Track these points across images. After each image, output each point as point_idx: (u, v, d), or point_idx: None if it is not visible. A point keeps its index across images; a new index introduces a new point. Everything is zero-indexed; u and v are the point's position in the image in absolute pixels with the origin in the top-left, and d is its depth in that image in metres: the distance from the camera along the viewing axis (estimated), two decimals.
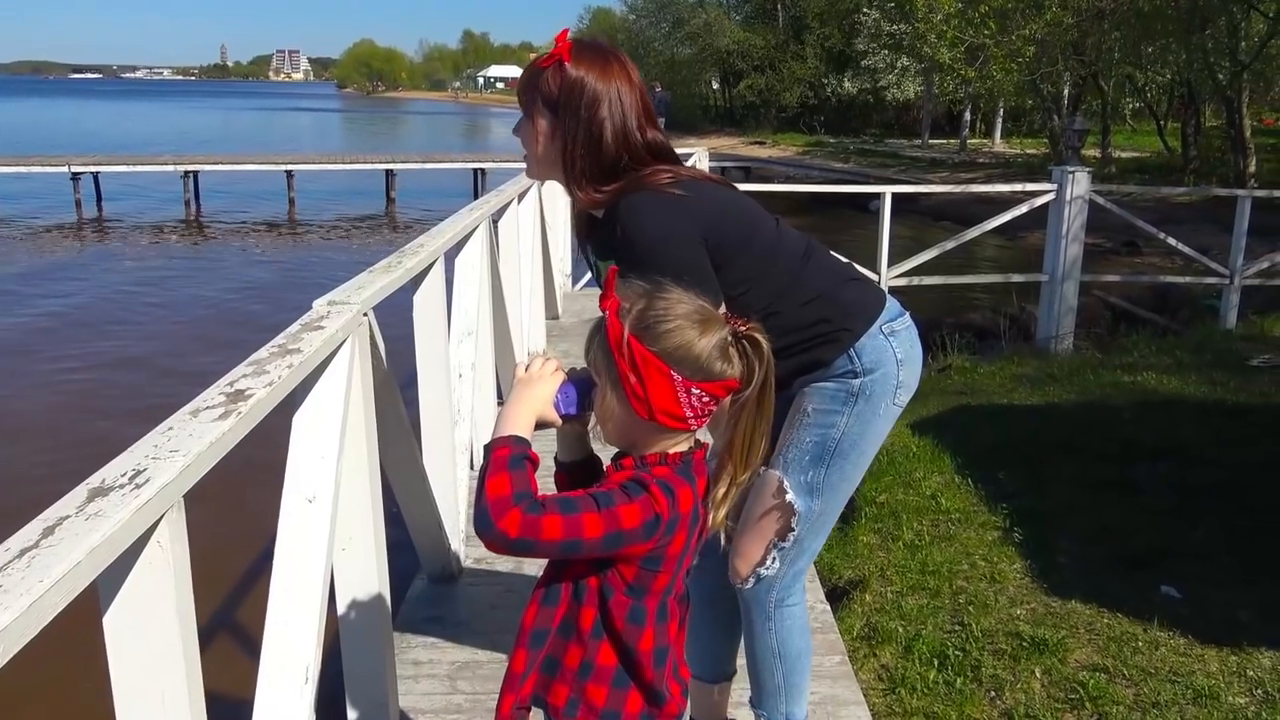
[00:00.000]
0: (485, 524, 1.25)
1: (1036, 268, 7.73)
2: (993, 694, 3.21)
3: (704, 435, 1.50)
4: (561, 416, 1.42)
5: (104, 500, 1.02)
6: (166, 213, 20.99)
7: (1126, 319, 9.11)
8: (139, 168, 22.10)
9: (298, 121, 71.14)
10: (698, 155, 8.30)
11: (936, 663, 3.35)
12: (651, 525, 1.31)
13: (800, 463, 1.93)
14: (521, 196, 4.74)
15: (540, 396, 1.40)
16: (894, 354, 1.94)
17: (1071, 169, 7.36)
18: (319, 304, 1.92)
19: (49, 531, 0.94)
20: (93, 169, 21.25)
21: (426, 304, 2.80)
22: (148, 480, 1.07)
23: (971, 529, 4.40)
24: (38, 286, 13.24)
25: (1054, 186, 7.47)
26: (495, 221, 3.98)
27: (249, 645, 4.26)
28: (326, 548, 1.68)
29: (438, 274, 2.82)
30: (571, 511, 1.29)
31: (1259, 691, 3.16)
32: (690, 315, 1.35)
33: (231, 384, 1.41)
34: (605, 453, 1.49)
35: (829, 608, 3.08)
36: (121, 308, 12.22)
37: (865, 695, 2.83)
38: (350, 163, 24.04)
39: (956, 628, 3.60)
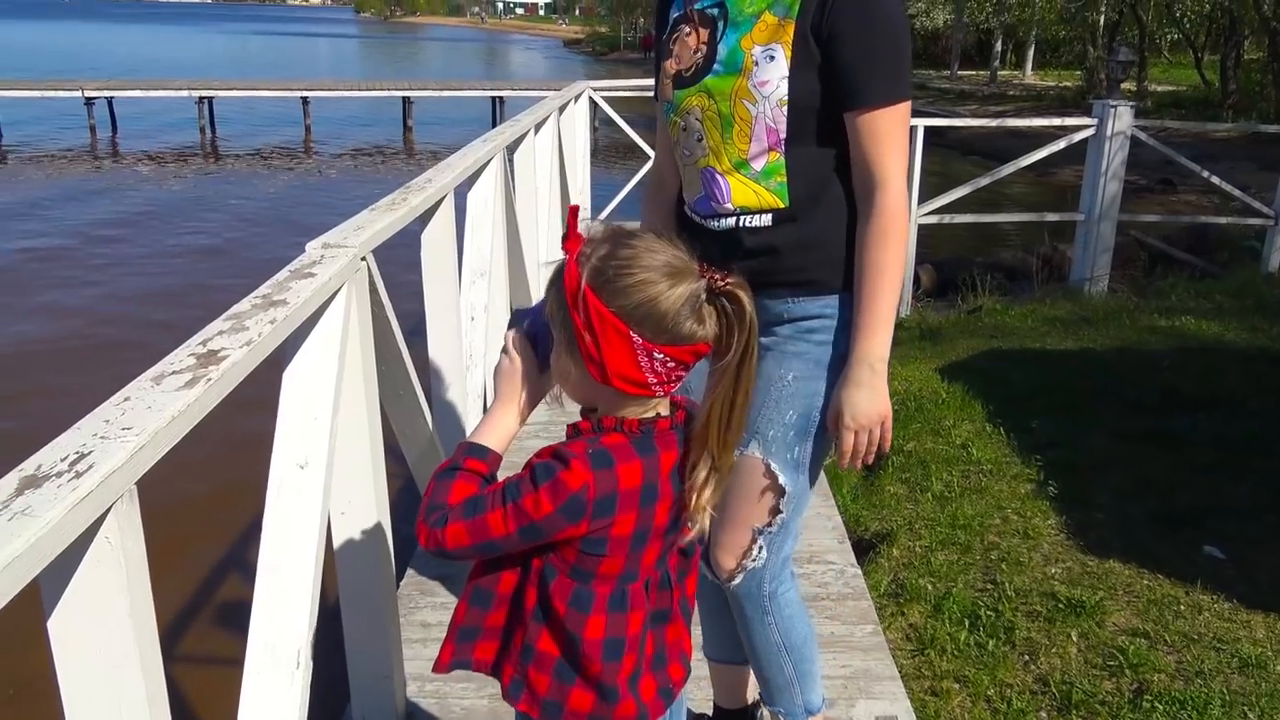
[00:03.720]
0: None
1: (1067, 205, 7.44)
2: (1026, 658, 3.07)
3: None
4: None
5: (35, 493, 0.85)
6: (180, 138, 20.74)
7: (1163, 260, 8.82)
8: (153, 93, 21.77)
9: (314, 47, 70.15)
10: None
11: (967, 623, 3.22)
12: (571, 507, 1.16)
13: (784, 440, 1.73)
14: (539, 126, 4.51)
15: (523, 398, 1.28)
16: None
17: (1114, 103, 7.02)
18: (312, 246, 1.74)
19: None
20: (106, 94, 20.97)
21: (435, 243, 2.62)
22: (90, 467, 0.90)
23: (1004, 481, 4.24)
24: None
25: (1094, 121, 7.14)
26: (510, 153, 3.76)
27: (234, 630, 4.07)
28: (319, 518, 1.53)
29: (447, 211, 2.62)
30: (476, 514, 1.19)
31: None
32: (659, 267, 1.16)
33: (204, 343, 1.24)
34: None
35: (859, 571, 2.93)
36: (110, 244, 11.87)
37: (894, 657, 2.69)
38: (367, 89, 23.63)
39: (988, 586, 3.46)
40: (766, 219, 1.69)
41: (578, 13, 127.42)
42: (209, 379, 1.12)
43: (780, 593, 1.85)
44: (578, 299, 1.16)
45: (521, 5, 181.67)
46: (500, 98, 22.99)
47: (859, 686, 2.32)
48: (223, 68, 36.48)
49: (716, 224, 1.72)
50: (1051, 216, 7.51)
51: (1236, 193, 7.49)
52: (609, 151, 16.62)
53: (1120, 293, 7.51)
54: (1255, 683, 2.89)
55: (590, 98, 7.41)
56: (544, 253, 4.44)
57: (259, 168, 18.25)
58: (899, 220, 1.64)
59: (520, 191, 3.82)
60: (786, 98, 1.62)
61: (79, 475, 0.89)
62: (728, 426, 1.21)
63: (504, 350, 1.28)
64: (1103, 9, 22.26)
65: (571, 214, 1.21)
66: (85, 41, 61.05)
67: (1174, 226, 9.33)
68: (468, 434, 3.24)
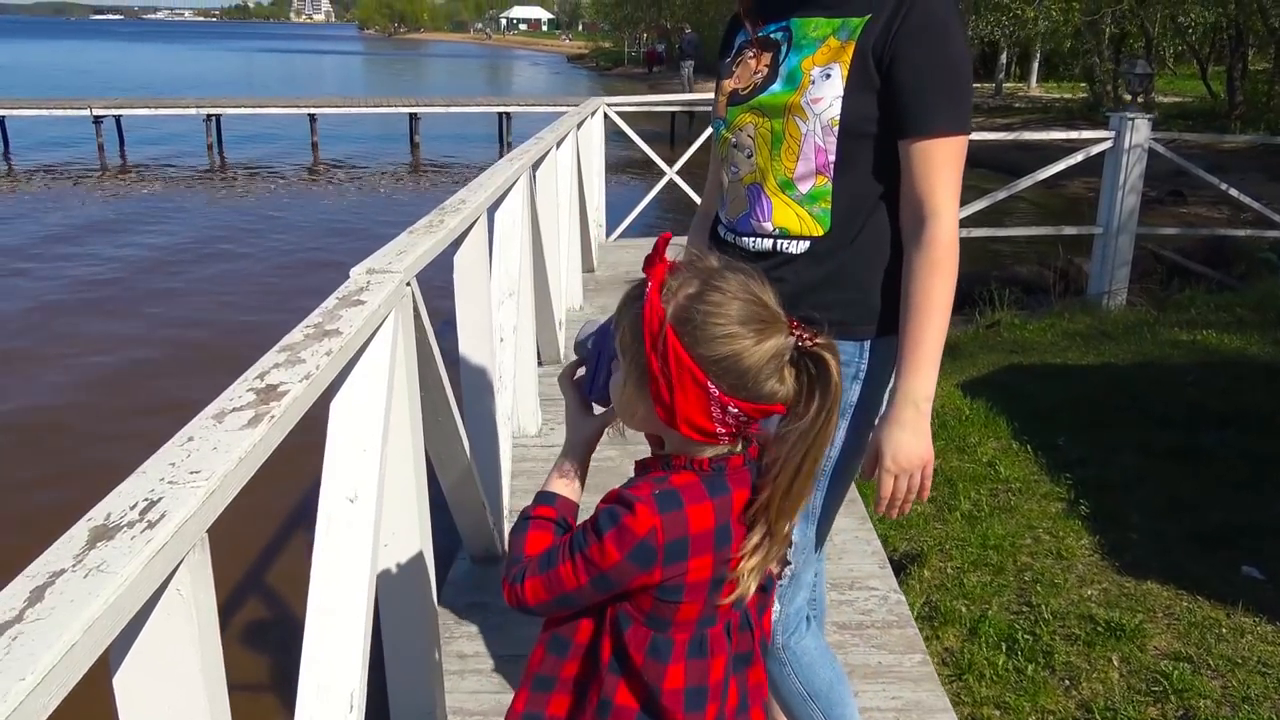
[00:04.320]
0: None
1: (1076, 217, 7.38)
2: (1067, 683, 3.01)
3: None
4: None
5: (109, 546, 0.81)
6: (189, 159, 20.77)
7: (1180, 273, 8.76)
8: (161, 111, 21.82)
9: (320, 64, 70.45)
10: None
11: (1005, 647, 3.16)
12: (641, 554, 1.10)
13: None
14: (560, 142, 4.47)
15: (583, 437, 1.26)
16: (892, 370, 1.67)
17: (1131, 115, 6.98)
18: (356, 272, 1.70)
19: (38, 596, 0.73)
20: (115, 112, 21.01)
21: (469, 265, 2.58)
22: (163, 515, 0.86)
23: (1033, 500, 4.18)
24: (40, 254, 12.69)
25: (1111, 134, 7.10)
26: (534, 170, 3.72)
27: (279, 671, 3.91)
28: (370, 553, 1.48)
29: (480, 232, 2.59)
30: (548, 568, 1.15)
31: None
32: (748, 318, 1.09)
33: (261, 376, 1.19)
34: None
35: (903, 598, 2.87)
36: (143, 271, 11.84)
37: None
38: (374, 106, 23.67)
39: (1024, 608, 3.40)
40: (804, 245, 1.65)
41: (580, 28, 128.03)
42: (272, 416, 1.07)
43: (794, 643, 1.78)
44: (658, 340, 1.09)
45: (524, 21, 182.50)
46: (507, 113, 22.99)
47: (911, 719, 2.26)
48: (230, 85, 36.61)
49: (753, 243, 1.68)
50: (1069, 230, 7.46)
51: (1255, 204, 7.45)
52: (616, 168, 16.63)
53: (1139, 306, 7.45)
54: None
55: (605, 113, 7.39)
56: (565, 269, 4.41)
57: (268, 186, 18.27)
58: (950, 254, 1.58)
59: (543, 209, 3.78)
60: (838, 118, 1.58)
61: (151, 525, 0.84)
62: (788, 493, 1.14)
63: (564, 393, 1.26)
64: (1108, 21, 22.25)
65: (661, 241, 1.14)
66: (91, 60, 61.35)
67: (1191, 239, 9.27)
68: (502, 459, 3.22)
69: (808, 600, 1.79)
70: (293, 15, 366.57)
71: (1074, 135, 7.90)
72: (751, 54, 1.67)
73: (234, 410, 1.09)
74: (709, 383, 1.09)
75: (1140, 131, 6.97)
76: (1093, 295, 7.48)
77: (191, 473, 0.94)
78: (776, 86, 1.62)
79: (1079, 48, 23.14)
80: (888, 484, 1.59)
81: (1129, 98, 7.44)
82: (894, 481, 1.58)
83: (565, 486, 1.22)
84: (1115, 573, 3.61)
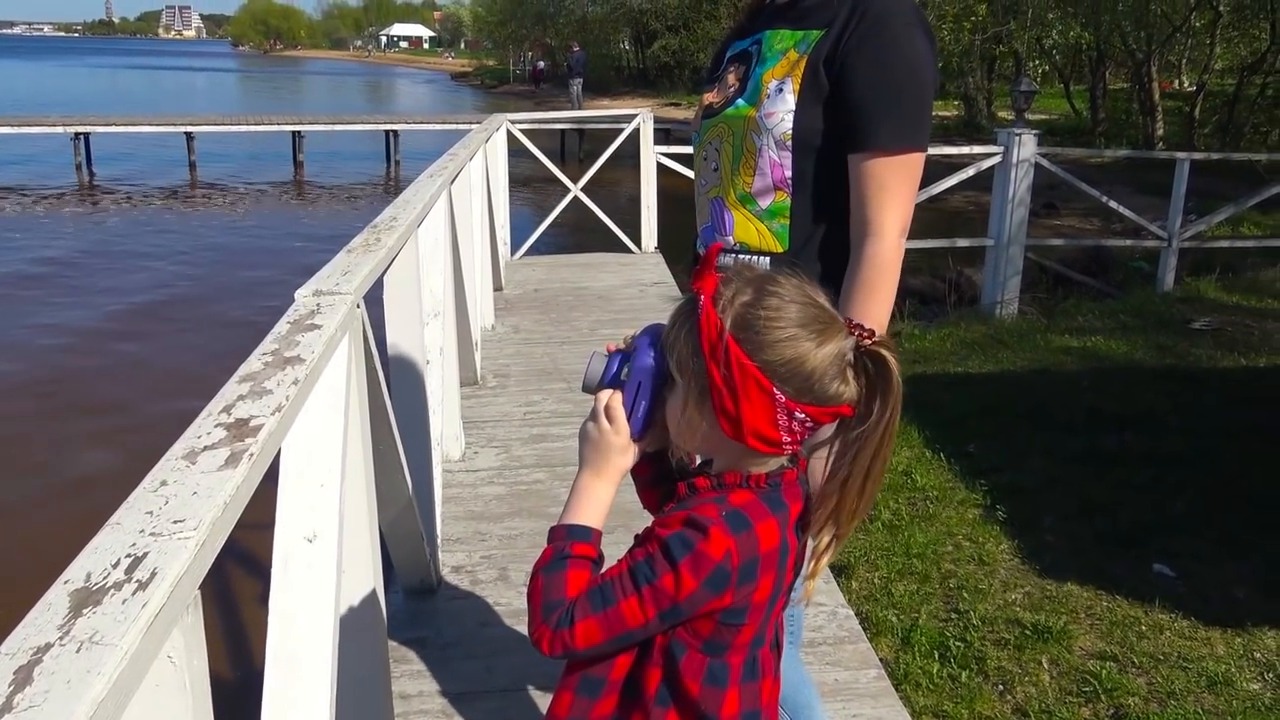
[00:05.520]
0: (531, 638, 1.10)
1: (959, 229, 7.61)
2: (1001, 688, 3.05)
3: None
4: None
5: (97, 613, 0.69)
6: (54, 179, 19.72)
7: (1063, 282, 9.14)
8: (25, 129, 20.66)
9: (193, 81, 68.06)
10: (643, 116, 7.95)
11: (938, 655, 3.19)
12: (717, 579, 1.06)
13: None
14: (471, 157, 4.37)
15: (620, 469, 1.16)
16: None
17: (1019, 131, 7.25)
18: (303, 295, 1.58)
19: (25, 678, 0.62)
20: None
21: (399, 285, 2.47)
22: (154, 573, 0.74)
23: (950, 507, 4.26)
24: None
25: (1000, 149, 7.36)
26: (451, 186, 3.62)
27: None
28: (334, 595, 1.37)
29: (410, 250, 2.48)
30: (607, 605, 1.07)
31: (1270, 675, 3.08)
32: (807, 320, 1.07)
33: (227, 410, 1.08)
34: None
35: (852, 613, 2.86)
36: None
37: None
38: (255, 124, 22.90)
39: (953, 615, 3.44)
40: (764, 262, 1.61)
41: (463, 46, 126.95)
42: (250, 454, 0.97)
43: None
44: (717, 349, 1.06)
45: (406, 39, 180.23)
46: (395, 131, 22.59)
47: None
48: (98, 104, 34.96)
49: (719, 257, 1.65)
50: (963, 242, 7.70)
51: (1133, 216, 7.81)
52: (512, 185, 16.43)
53: (1030, 315, 7.73)
54: (1226, 701, 2.93)
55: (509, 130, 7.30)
56: (480, 287, 4.30)
57: (139, 207, 17.48)
58: (886, 275, 1.52)
59: (460, 226, 3.68)
60: (790, 132, 1.55)
61: (143, 586, 0.72)
62: (861, 495, 1.12)
63: (594, 414, 1.16)
64: (991, 43, 23.21)
65: (711, 252, 1.10)
66: None
67: (1072, 249, 9.68)
68: (437, 489, 3.10)
69: (787, 618, 1.75)
70: (161, 31, 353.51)
71: (964, 150, 8.16)
72: (733, 68, 1.63)
73: (206, 449, 0.98)
74: (774, 389, 1.06)
75: (1027, 146, 7.24)
76: (986, 305, 7.72)
77: (175, 522, 0.83)
78: (741, 100, 1.59)
79: (962, 67, 24.05)
80: None
81: (1011, 115, 7.74)
82: None
83: (593, 519, 1.15)
84: (1036, 575, 3.69)
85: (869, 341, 1.09)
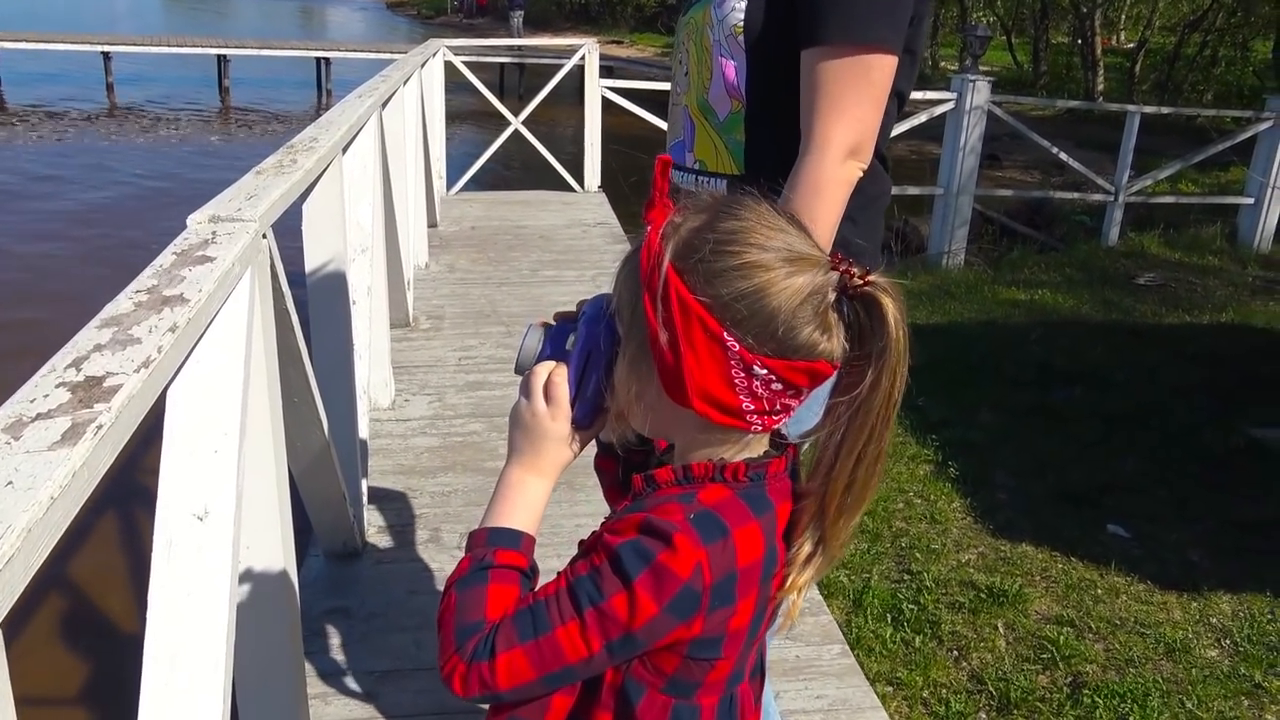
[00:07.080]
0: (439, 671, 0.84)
1: (902, 178, 7.42)
2: (956, 654, 2.94)
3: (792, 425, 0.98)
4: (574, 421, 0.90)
5: None
6: None
7: (1008, 234, 9.08)
8: None
9: (113, 3, 64.85)
10: (588, 47, 7.60)
11: (890, 619, 3.07)
12: (683, 601, 0.80)
13: None
14: (405, 81, 4.04)
15: (558, 462, 0.90)
16: None
17: (973, 78, 7.08)
18: (195, 221, 1.32)
19: None
20: None
21: (321, 214, 2.19)
22: None
23: (901, 462, 4.13)
24: None
25: (953, 96, 7.19)
26: (382, 110, 3.31)
27: None
28: (228, 582, 1.14)
29: (333, 177, 2.20)
30: (539, 633, 0.81)
31: (1227, 642, 3.01)
32: (776, 248, 0.81)
33: (76, 365, 0.83)
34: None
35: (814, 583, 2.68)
36: None
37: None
38: (178, 45, 21.76)
39: (905, 576, 3.32)
40: (721, 185, 1.39)
41: None
42: (99, 425, 0.72)
43: None
44: (653, 281, 0.80)
45: None
46: (326, 59, 21.69)
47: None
48: (8, 20, 33.06)
49: (680, 178, 1.44)
50: (913, 190, 7.54)
51: (1082, 169, 7.73)
52: (449, 119, 15.90)
53: (976, 266, 7.64)
54: (1185, 669, 2.85)
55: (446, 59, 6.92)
56: (413, 223, 4.01)
57: (51, 130, 16.55)
58: (826, 202, 1.24)
59: (392, 155, 3.38)
60: (741, 24, 1.32)
61: None
62: (849, 488, 0.86)
63: (528, 391, 0.90)
64: None
65: (661, 168, 0.84)
66: None
67: (1016, 201, 9.61)
68: (363, 441, 2.85)
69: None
70: None
71: (917, 96, 7.96)
72: None
73: (37, 418, 0.73)
74: (725, 333, 0.80)
75: (981, 93, 7.08)
76: (933, 255, 7.61)
77: None
78: None
79: None
80: None
81: (954, 67, 7.58)
82: None
83: (525, 521, 0.89)
84: (990, 536, 3.58)
85: (860, 280, 0.83)
